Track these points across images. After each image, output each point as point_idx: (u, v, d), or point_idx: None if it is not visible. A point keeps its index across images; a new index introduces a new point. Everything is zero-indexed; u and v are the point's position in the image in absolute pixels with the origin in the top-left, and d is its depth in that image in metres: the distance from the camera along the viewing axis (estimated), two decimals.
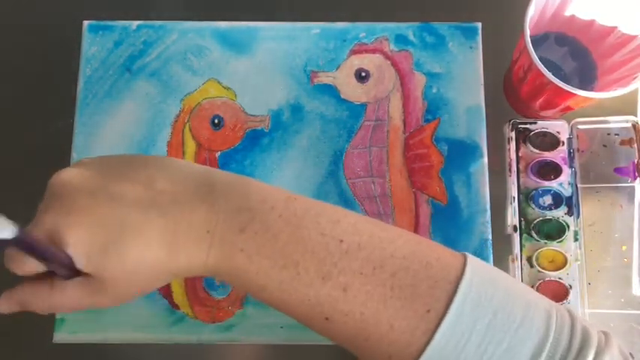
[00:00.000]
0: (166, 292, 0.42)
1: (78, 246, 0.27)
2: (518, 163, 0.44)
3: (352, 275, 0.28)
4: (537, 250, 0.42)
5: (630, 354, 0.41)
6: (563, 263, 0.42)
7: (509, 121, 0.44)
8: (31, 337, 0.44)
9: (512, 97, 0.46)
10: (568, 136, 0.44)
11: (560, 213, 0.43)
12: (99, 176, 0.28)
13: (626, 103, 0.46)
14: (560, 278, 0.42)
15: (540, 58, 0.38)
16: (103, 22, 0.47)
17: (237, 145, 0.45)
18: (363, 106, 0.45)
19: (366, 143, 0.44)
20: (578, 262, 0.43)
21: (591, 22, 0.43)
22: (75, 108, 0.45)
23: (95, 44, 0.46)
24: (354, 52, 0.46)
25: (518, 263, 0.42)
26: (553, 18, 0.43)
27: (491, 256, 0.43)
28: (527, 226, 0.43)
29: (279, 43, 0.46)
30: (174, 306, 0.42)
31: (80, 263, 0.27)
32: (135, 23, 0.47)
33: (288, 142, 0.45)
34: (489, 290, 0.27)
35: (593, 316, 0.42)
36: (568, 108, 0.43)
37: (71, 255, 0.27)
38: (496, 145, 0.45)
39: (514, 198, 0.43)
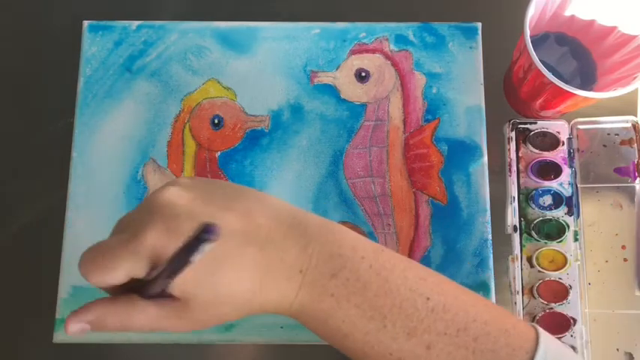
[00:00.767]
0: None
1: None
2: (518, 163, 0.44)
3: (437, 335, 0.28)
4: (537, 250, 0.42)
5: (630, 354, 0.41)
6: (563, 263, 0.42)
7: (509, 121, 0.44)
8: (31, 337, 0.44)
9: (512, 97, 0.46)
10: (568, 136, 0.44)
11: (560, 213, 0.43)
12: (200, 201, 0.28)
13: (626, 103, 0.46)
14: (560, 278, 0.42)
15: (540, 59, 0.38)
16: (103, 22, 0.47)
17: (237, 145, 0.45)
18: (363, 106, 0.45)
19: (366, 143, 0.44)
20: (578, 262, 0.43)
21: (591, 22, 0.43)
22: (75, 108, 0.45)
23: (95, 44, 0.46)
24: (354, 52, 0.46)
25: (518, 263, 0.42)
26: (553, 18, 0.43)
27: (491, 256, 0.43)
28: (527, 226, 0.43)
29: (279, 43, 0.46)
30: None
31: (173, 286, 0.27)
32: (135, 23, 0.47)
33: (288, 142, 0.45)
34: None
35: (593, 316, 0.42)
36: (568, 108, 0.43)
37: None
38: (496, 145, 0.45)
39: (514, 198, 0.43)
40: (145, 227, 0.27)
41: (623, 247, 0.43)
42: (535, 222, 0.43)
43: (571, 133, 0.44)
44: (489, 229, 0.43)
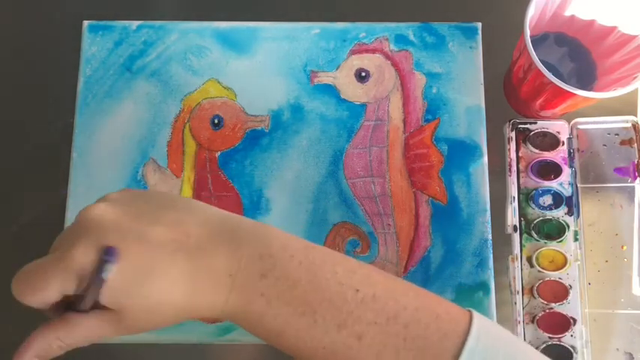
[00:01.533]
0: None
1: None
2: (518, 163, 0.44)
3: (367, 324, 0.28)
4: (537, 250, 0.42)
5: (630, 354, 0.41)
6: (563, 263, 0.42)
7: (509, 121, 0.45)
8: None
9: (512, 97, 0.46)
10: (568, 136, 0.44)
11: (560, 213, 0.43)
12: (128, 216, 0.29)
13: (626, 103, 0.46)
14: (560, 278, 0.42)
15: (540, 59, 0.38)
16: (103, 22, 0.47)
17: (237, 145, 0.45)
18: (363, 106, 0.45)
19: (366, 143, 0.44)
20: (578, 262, 0.43)
21: (591, 22, 0.43)
22: (75, 108, 0.45)
23: (95, 44, 0.46)
24: (354, 52, 0.46)
25: (518, 263, 0.42)
26: (553, 18, 0.43)
27: (491, 256, 0.43)
28: (527, 226, 0.43)
29: (279, 43, 0.46)
30: None
31: (104, 298, 0.27)
32: (135, 23, 0.47)
33: (288, 142, 0.45)
34: (495, 343, 0.28)
35: (593, 316, 0.42)
36: (568, 108, 0.43)
37: None
38: (496, 145, 0.45)
39: (514, 198, 0.43)
40: (73, 244, 0.27)
41: (623, 247, 0.43)
42: (535, 222, 0.43)
43: (571, 133, 0.44)
44: (489, 229, 0.43)
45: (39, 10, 0.50)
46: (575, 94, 0.38)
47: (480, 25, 0.46)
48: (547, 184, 0.43)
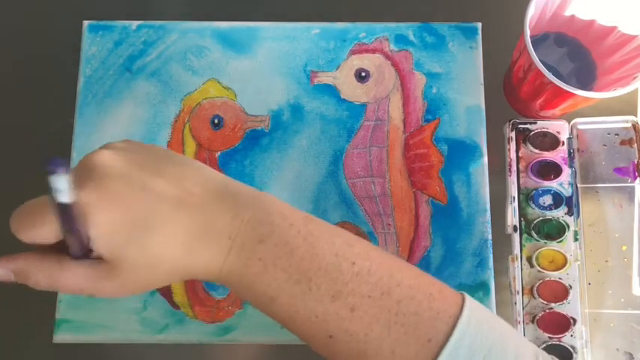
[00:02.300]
0: (166, 292, 0.42)
1: (102, 227, 0.27)
2: (518, 163, 0.44)
3: (360, 297, 0.28)
4: (537, 250, 0.42)
5: (630, 354, 0.41)
6: (563, 263, 0.42)
7: (509, 121, 0.45)
8: (31, 337, 0.44)
9: (512, 97, 0.46)
10: (568, 136, 0.44)
11: (560, 213, 0.43)
12: (132, 164, 0.28)
13: (626, 103, 0.46)
14: (560, 278, 0.42)
15: (540, 59, 0.38)
16: (103, 22, 0.47)
17: (237, 145, 0.45)
18: (363, 106, 0.45)
19: (366, 143, 0.44)
20: (578, 262, 0.43)
21: (591, 22, 0.43)
22: (75, 108, 0.45)
23: (95, 44, 0.46)
24: (354, 52, 0.46)
25: (518, 263, 0.42)
26: (553, 18, 0.43)
27: (491, 256, 0.43)
28: (527, 226, 0.43)
29: (279, 43, 0.46)
30: (174, 306, 0.42)
31: (100, 245, 0.27)
32: (135, 23, 0.47)
33: (288, 142, 0.45)
34: (485, 327, 0.29)
35: (593, 316, 0.42)
36: (568, 108, 0.43)
37: (92, 236, 0.27)
38: (496, 145, 0.45)
39: (514, 198, 0.43)
40: (77, 189, 0.27)
41: (623, 247, 0.43)
42: (535, 222, 0.43)
43: (571, 133, 0.44)
44: (489, 229, 0.43)
45: (39, 10, 0.50)
46: (575, 94, 0.38)
47: (479, 25, 0.46)
48: (547, 184, 0.43)
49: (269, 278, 0.29)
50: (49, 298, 0.42)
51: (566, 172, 0.44)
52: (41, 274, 0.28)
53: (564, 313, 0.41)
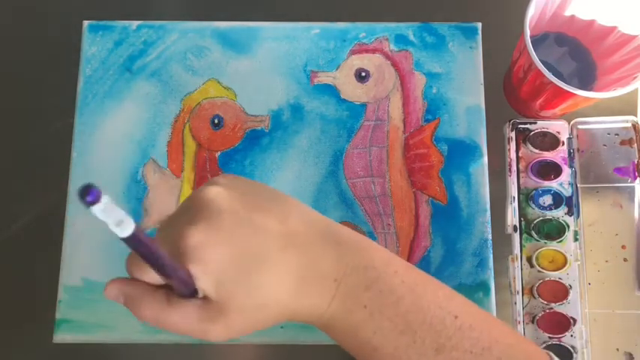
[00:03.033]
0: None
1: (211, 266, 0.26)
2: (518, 163, 0.44)
3: (463, 352, 0.28)
4: (537, 250, 0.42)
5: (630, 354, 0.41)
6: (563, 263, 0.42)
7: (509, 121, 0.44)
8: (31, 337, 0.44)
9: (512, 97, 0.46)
10: (568, 136, 0.44)
11: (560, 213, 0.43)
12: (239, 200, 0.28)
13: (626, 103, 0.46)
14: (560, 278, 0.42)
15: (540, 59, 0.38)
16: (103, 22, 0.47)
17: (237, 145, 0.45)
18: (363, 106, 0.45)
19: (366, 143, 0.44)
20: (578, 262, 0.43)
21: (591, 22, 0.43)
22: (75, 108, 0.45)
23: (95, 44, 0.46)
24: (354, 52, 0.46)
25: (518, 263, 0.42)
26: (553, 18, 0.43)
27: (491, 256, 0.43)
28: (527, 226, 0.43)
29: (279, 43, 0.46)
30: None
31: (207, 284, 0.26)
32: (135, 23, 0.47)
33: (288, 142, 0.45)
34: None
35: (593, 316, 0.42)
36: (568, 108, 0.43)
37: (197, 274, 0.26)
38: (496, 145, 0.45)
39: (514, 198, 0.43)
40: (185, 225, 0.26)
41: (623, 247, 0.43)
42: (535, 222, 0.43)
43: (571, 133, 0.44)
44: (489, 229, 0.43)
45: (39, 10, 0.50)
46: (575, 94, 0.38)
47: (479, 25, 0.46)
48: (547, 184, 0.43)
49: (374, 326, 0.28)
50: (49, 298, 0.42)
51: (566, 172, 0.44)
52: (149, 310, 0.27)
53: (564, 313, 0.41)
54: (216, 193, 0.28)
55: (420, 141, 0.44)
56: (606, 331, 0.41)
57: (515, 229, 0.43)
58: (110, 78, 0.46)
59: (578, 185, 0.44)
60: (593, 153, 0.44)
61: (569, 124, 0.44)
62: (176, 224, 0.27)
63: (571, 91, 0.38)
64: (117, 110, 0.45)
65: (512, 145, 0.44)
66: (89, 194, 0.19)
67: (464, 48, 0.46)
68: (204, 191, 0.28)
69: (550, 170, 0.44)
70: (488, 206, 0.43)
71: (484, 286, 0.42)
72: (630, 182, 0.43)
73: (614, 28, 0.42)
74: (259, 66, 0.46)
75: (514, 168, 0.44)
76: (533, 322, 0.42)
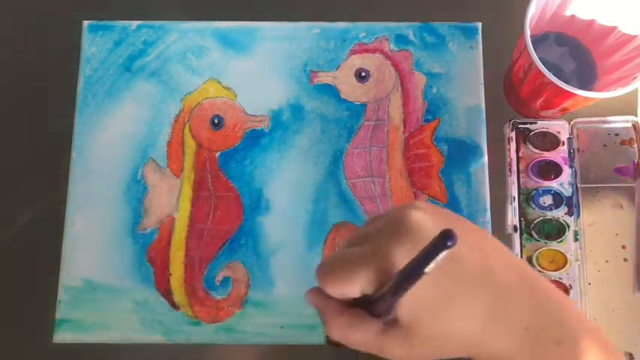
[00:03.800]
0: (166, 292, 0.42)
1: (412, 291, 0.26)
2: (518, 163, 0.44)
3: None
4: (537, 250, 0.42)
5: (630, 354, 0.41)
6: (563, 263, 0.42)
7: (509, 121, 0.44)
8: (31, 337, 0.44)
9: (512, 97, 0.46)
10: (568, 136, 0.44)
11: (560, 213, 0.43)
12: (440, 227, 0.27)
13: (626, 103, 0.46)
14: (560, 278, 0.42)
15: (540, 58, 0.38)
16: (102, 22, 0.47)
17: (237, 145, 0.45)
18: (363, 106, 0.45)
19: (366, 143, 0.44)
20: (578, 262, 0.43)
21: (591, 22, 0.43)
22: (75, 108, 0.45)
23: (95, 44, 0.46)
24: (354, 51, 0.46)
25: None
26: (553, 18, 0.43)
27: None
28: (527, 226, 0.43)
29: (279, 43, 0.46)
30: (174, 306, 0.42)
31: (403, 310, 0.26)
32: (135, 23, 0.47)
33: (288, 142, 0.45)
34: None
35: (593, 315, 0.42)
36: (568, 108, 0.43)
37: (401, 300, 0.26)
38: (496, 145, 0.45)
39: (514, 198, 0.43)
40: (391, 245, 0.26)
41: (623, 247, 0.43)
42: (535, 222, 0.43)
43: (571, 133, 0.44)
44: (489, 229, 0.43)
45: (39, 10, 0.50)
46: (575, 94, 0.38)
47: (480, 25, 0.46)
48: (547, 184, 0.43)
49: None
50: (49, 298, 0.42)
51: (567, 172, 0.44)
52: (335, 326, 0.28)
53: None
54: (422, 217, 0.28)
55: (420, 141, 0.44)
56: (606, 331, 0.41)
57: (515, 229, 0.43)
58: (110, 78, 0.46)
59: (579, 185, 0.44)
60: (593, 153, 0.44)
61: (569, 124, 0.44)
62: (377, 241, 0.27)
63: (571, 91, 0.38)
64: (117, 110, 0.45)
65: (513, 145, 0.44)
66: (450, 239, 0.22)
67: (464, 48, 0.46)
68: (408, 214, 0.28)
69: (550, 170, 0.44)
70: (488, 206, 0.43)
71: None
72: (630, 182, 0.43)
73: (614, 28, 0.42)
74: (259, 66, 0.46)
75: (514, 168, 0.44)
76: None
